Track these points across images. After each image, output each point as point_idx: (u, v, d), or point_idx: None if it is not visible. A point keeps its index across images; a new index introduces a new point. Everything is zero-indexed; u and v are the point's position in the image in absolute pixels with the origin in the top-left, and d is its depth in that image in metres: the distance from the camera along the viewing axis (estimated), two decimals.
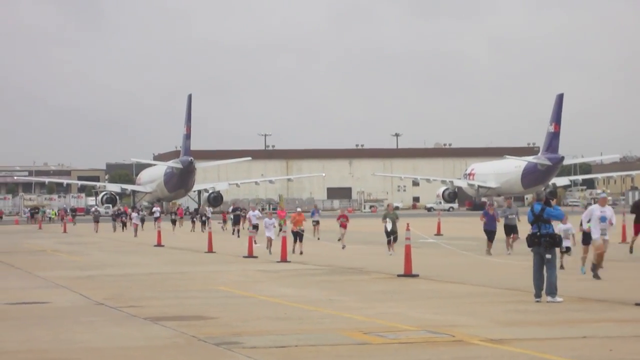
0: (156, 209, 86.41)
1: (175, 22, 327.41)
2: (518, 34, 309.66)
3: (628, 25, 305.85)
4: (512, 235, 37.05)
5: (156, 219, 77.49)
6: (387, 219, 38.47)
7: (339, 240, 45.03)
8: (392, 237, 37.89)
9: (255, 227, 48.24)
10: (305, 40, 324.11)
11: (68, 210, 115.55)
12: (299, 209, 43.48)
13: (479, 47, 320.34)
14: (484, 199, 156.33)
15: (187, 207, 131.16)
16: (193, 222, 77.72)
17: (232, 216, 65.57)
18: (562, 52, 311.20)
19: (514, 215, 37.32)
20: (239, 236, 58.21)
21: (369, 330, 16.40)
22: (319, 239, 51.69)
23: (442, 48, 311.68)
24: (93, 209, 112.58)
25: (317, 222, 54.24)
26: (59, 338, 16.28)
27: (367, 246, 44.46)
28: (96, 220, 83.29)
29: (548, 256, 20.66)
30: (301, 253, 38.99)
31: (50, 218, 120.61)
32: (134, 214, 73.37)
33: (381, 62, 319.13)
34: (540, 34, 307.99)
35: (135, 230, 68.25)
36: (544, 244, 20.70)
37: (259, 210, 56.44)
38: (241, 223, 64.63)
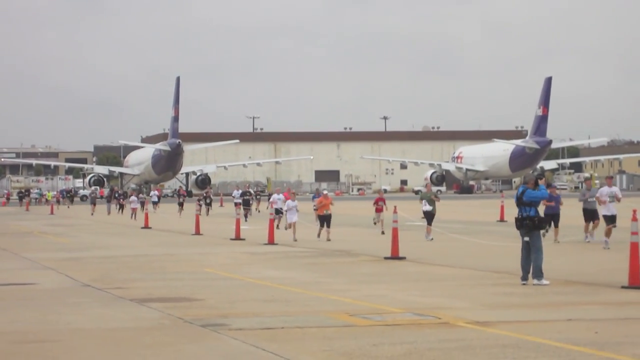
0: (154, 192, 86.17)
1: (167, 4, 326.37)
2: (511, 17, 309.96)
3: (621, 10, 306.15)
4: (594, 222, 32.79)
5: (154, 203, 77.42)
6: (424, 200, 36.41)
7: (374, 223, 42.37)
8: (429, 220, 35.91)
9: (279, 211, 43.88)
10: (296, 23, 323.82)
11: (64, 193, 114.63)
12: (325, 192, 40.41)
13: (470, 30, 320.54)
14: (472, 182, 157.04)
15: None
16: (200, 205, 77.38)
17: (241, 200, 64.46)
18: (554, 36, 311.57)
19: (593, 199, 32.30)
20: (246, 220, 57.21)
21: (355, 312, 16.42)
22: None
23: (432, 31, 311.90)
24: (90, 191, 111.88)
25: None
26: (45, 319, 16.25)
27: (355, 229, 44.45)
28: (93, 202, 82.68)
29: (526, 239, 20.74)
30: (328, 240, 35.88)
31: (47, 200, 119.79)
32: (133, 197, 71.42)
33: (370, 45, 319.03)
34: (532, 17, 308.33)
35: (134, 214, 66.50)
36: (525, 226, 20.76)
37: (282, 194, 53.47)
38: (251, 207, 64.08)
